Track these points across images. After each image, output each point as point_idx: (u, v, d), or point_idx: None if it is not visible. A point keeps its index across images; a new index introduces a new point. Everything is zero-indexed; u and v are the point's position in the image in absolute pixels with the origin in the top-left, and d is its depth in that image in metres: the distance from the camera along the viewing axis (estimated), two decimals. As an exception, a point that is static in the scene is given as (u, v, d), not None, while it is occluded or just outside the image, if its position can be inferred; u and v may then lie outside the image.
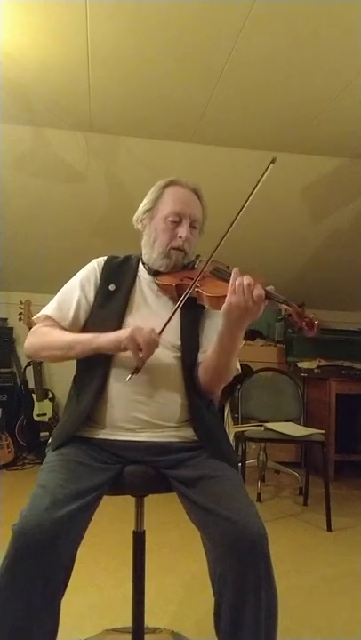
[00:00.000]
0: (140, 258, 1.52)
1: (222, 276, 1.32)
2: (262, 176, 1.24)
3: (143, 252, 1.49)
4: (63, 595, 1.07)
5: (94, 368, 1.33)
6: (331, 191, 3.69)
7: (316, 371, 4.11)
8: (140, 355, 1.21)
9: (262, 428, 2.96)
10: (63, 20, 2.24)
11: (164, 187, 1.46)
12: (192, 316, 1.40)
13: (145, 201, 1.48)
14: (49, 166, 3.40)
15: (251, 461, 3.46)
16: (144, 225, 1.48)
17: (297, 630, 1.74)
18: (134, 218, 1.50)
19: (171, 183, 1.46)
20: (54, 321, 1.42)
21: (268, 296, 1.16)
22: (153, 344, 1.22)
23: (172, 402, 1.33)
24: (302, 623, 1.80)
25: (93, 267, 1.49)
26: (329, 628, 1.80)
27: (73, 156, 3.34)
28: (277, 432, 2.90)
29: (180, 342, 1.37)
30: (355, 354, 4.29)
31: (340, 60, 2.44)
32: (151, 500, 1.35)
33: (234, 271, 1.19)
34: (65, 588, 1.08)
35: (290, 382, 3.52)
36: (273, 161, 1.23)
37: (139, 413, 1.30)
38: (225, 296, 1.19)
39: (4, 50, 2.44)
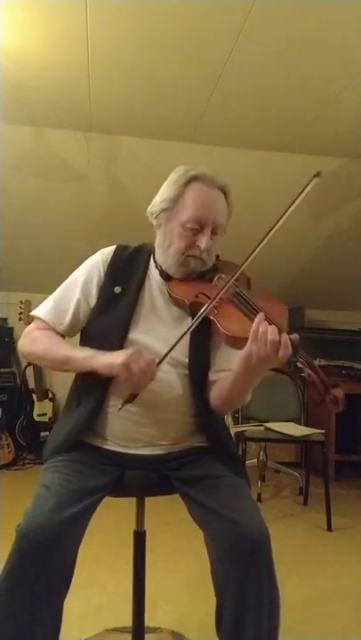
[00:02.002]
0: (151, 251, 1.36)
1: (243, 305, 1.18)
2: (303, 190, 1.11)
3: (157, 252, 1.34)
4: (65, 596, 1.07)
5: (95, 377, 1.23)
6: (330, 191, 3.69)
7: (316, 371, 4.10)
8: (133, 384, 1.11)
9: (262, 428, 2.96)
10: (63, 20, 2.24)
11: (186, 183, 1.26)
12: (203, 331, 1.22)
13: (163, 196, 1.29)
14: (49, 166, 3.40)
15: (251, 461, 3.46)
16: (159, 223, 1.31)
17: (297, 630, 1.73)
18: (148, 211, 1.33)
19: (194, 179, 1.26)
20: (48, 325, 1.30)
21: (293, 351, 1.05)
22: (149, 375, 1.10)
23: (176, 422, 1.27)
24: (302, 623, 1.80)
25: (98, 262, 1.33)
26: (329, 627, 1.79)
27: (73, 156, 3.34)
28: (278, 432, 2.90)
29: (187, 360, 1.25)
30: (355, 354, 4.29)
31: (340, 60, 2.43)
32: (152, 500, 1.35)
33: (258, 317, 1.08)
34: (67, 589, 1.07)
35: (290, 382, 3.52)
36: (318, 175, 1.09)
37: (139, 434, 1.25)
38: (243, 338, 1.09)
39: (4, 50, 2.44)
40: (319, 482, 3.08)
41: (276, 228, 1.12)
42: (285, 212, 1.11)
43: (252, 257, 1.15)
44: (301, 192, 1.10)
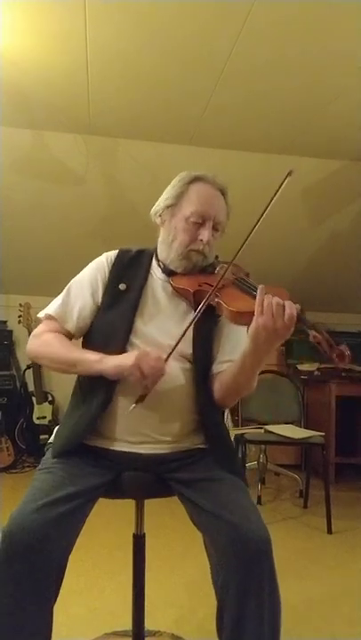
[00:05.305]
0: (153, 253, 1.41)
1: (244, 287, 1.24)
2: (279, 189, 1.22)
3: (159, 250, 1.39)
4: (55, 600, 1.05)
5: (100, 378, 1.24)
6: (330, 193, 3.70)
7: (315, 373, 4.11)
8: (145, 383, 1.14)
9: (262, 431, 2.96)
10: (62, 23, 2.24)
11: (190, 182, 1.34)
12: (207, 323, 1.27)
13: (166, 195, 1.36)
14: (48, 169, 3.40)
15: (251, 464, 3.45)
16: (163, 221, 1.37)
17: (297, 632, 1.73)
18: (153, 211, 1.38)
19: (197, 179, 1.34)
20: (57, 322, 1.33)
21: (298, 318, 1.07)
22: (159, 373, 1.14)
23: (180, 417, 1.27)
24: (303, 625, 1.79)
25: (102, 263, 1.38)
26: (329, 630, 1.79)
27: (72, 159, 3.34)
28: (277, 434, 2.89)
29: (191, 351, 1.27)
30: (355, 356, 4.28)
31: (338, 63, 2.44)
32: (151, 503, 1.35)
33: (259, 289, 1.10)
34: (57, 593, 1.06)
35: (290, 384, 3.52)
36: (290, 173, 1.20)
37: (143, 428, 1.24)
38: (248, 312, 1.11)
39: (3, 53, 2.44)
40: (319, 484, 3.08)
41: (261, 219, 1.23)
42: (262, 213, 1.24)
43: (245, 244, 1.22)
44: (277, 191, 1.22)
